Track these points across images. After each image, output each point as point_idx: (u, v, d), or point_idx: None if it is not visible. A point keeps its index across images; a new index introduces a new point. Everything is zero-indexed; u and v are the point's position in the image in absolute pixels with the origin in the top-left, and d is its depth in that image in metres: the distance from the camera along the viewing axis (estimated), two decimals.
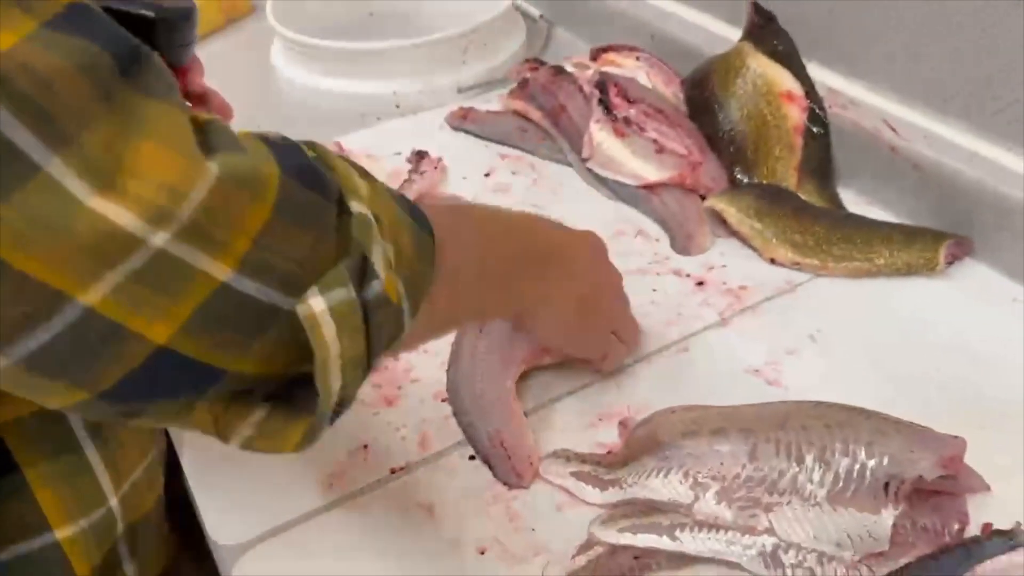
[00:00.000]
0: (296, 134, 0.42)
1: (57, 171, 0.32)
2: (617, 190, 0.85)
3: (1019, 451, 0.56)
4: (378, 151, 0.92)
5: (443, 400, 0.65)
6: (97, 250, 0.33)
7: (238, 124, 0.44)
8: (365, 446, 0.62)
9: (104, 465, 0.52)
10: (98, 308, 0.34)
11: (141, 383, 0.36)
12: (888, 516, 0.51)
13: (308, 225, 0.38)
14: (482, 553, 0.55)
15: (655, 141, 0.86)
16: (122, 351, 0.35)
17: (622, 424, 0.62)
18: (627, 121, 0.88)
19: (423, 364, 0.68)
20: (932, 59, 0.74)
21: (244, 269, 0.36)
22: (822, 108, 0.84)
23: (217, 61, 0.93)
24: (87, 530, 0.51)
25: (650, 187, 0.83)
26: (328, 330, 0.37)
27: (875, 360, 0.65)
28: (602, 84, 0.91)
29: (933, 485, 0.52)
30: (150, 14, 0.55)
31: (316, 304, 0.37)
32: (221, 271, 0.35)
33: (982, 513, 0.53)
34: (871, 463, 0.52)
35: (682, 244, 0.79)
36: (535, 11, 1.18)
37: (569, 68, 0.96)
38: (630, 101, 0.89)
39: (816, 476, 0.53)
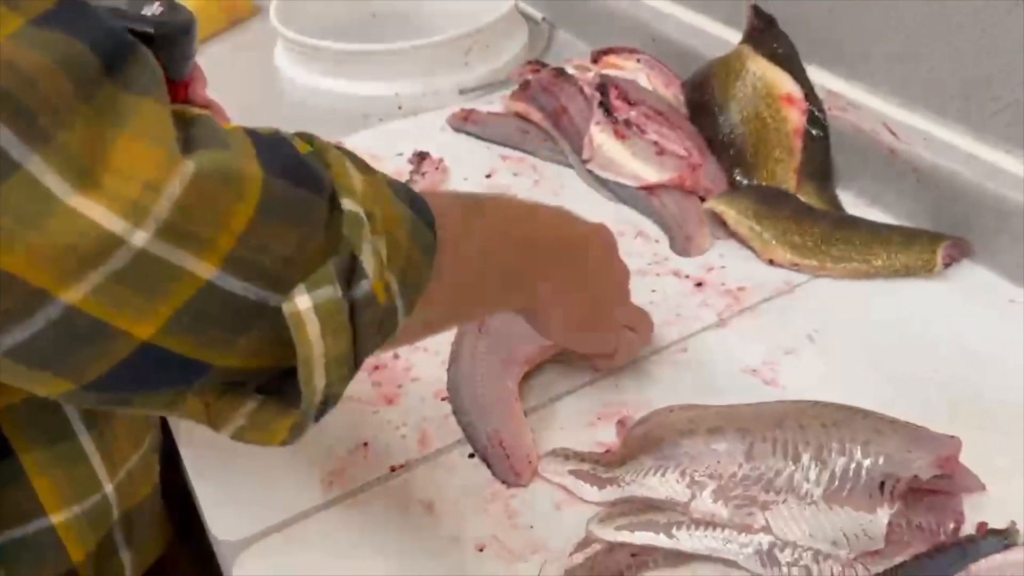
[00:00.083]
0: None
1: (36, 168, 0.32)
2: (617, 191, 0.86)
3: (1017, 452, 0.57)
4: (380, 152, 0.92)
5: (443, 399, 0.65)
6: (77, 249, 0.33)
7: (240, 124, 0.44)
8: (365, 444, 0.62)
9: (99, 453, 0.52)
10: (80, 306, 0.33)
11: (126, 376, 0.36)
12: (884, 515, 0.51)
13: (295, 223, 0.37)
14: (481, 550, 0.55)
15: (655, 143, 0.86)
16: (106, 347, 0.35)
17: (620, 423, 0.62)
18: (627, 123, 0.88)
19: (423, 363, 0.68)
20: (931, 60, 0.75)
21: (229, 267, 0.35)
22: (821, 111, 0.84)
23: (221, 62, 0.94)
24: (81, 516, 0.52)
25: (650, 189, 0.84)
26: (312, 328, 0.37)
27: (873, 361, 0.65)
28: (603, 86, 0.91)
29: (929, 484, 0.52)
30: (149, 30, 0.55)
31: (301, 302, 0.37)
32: (206, 269, 0.35)
33: (979, 513, 0.53)
34: (867, 462, 0.52)
35: (681, 245, 0.79)
36: (537, 13, 1.19)
37: (570, 70, 0.97)
38: (631, 103, 0.90)
39: (812, 475, 0.53)
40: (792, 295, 0.73)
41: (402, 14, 1.19)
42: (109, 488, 0.53)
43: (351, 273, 0.38)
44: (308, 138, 0.42)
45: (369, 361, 0.44)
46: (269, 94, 1.11)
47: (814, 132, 0.84)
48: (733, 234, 0.79)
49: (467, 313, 0.58)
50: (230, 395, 0.40)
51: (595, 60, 1.00)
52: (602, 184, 0.87)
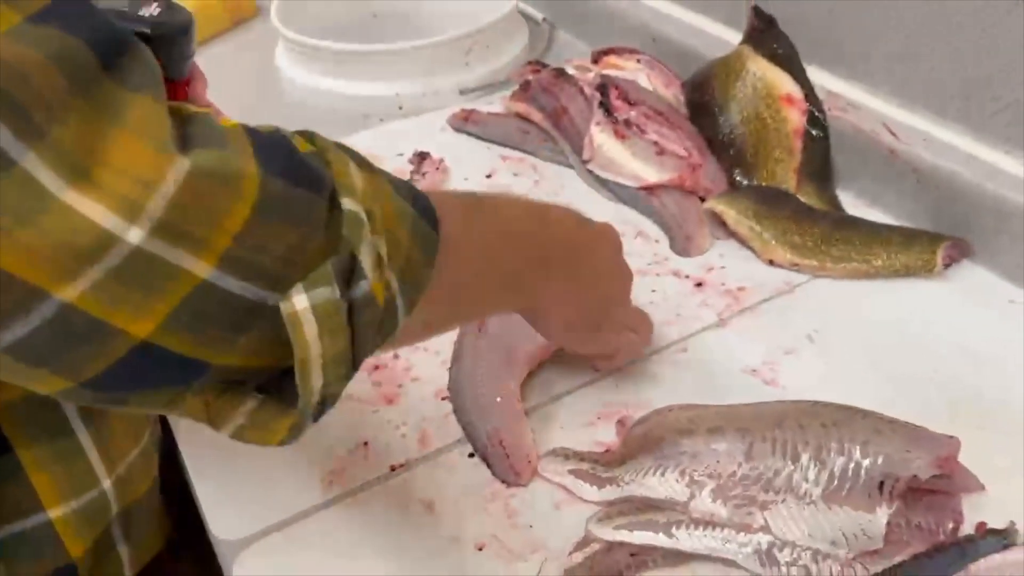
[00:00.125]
0: None
1: (31, 165, 0.32)
2: (617, 191, 0.86)
3: (1017, 452, 0.57)
4: (380, 152, 0.92)
5: (443, 398, 0.65)
6: (72, 246, 0.32)
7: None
8: (365, 443, 0.62)
9: (97, 449, 0.52)
10: (77, 304, 0.33)
11: (124, 375, 0.36)
12: (883, 515, 0.51)
13: (294, 222, 0.37)
14: (480, 550, 0.55)
15: (655, 143, 0.86)
16: (104, 345, 0.35)
17: (620, 423, 0.62)
18: (628, 123, 0.88)
19: (423, 362, 0.68)
20: (931, 60, 0.75)
21: (226, 266, 0.35)
22: (821, 111, 0.84)
23: (222, 62, 0.94)
24: (79, 511, 0.52)
25: (650, 189, 0.84)
26: (309, 328, 0.37)
27: (873, 361, 0.65)
28: (603, 86, 0.91)
29: (928, 484, 0.52)
30: (147, 30, 0.55)
31: (299, 302, 0.37)
32: (202, 268, 0.35)
33: (978, 513, 0.53)
34: (866, 462, 0.53)
35: (681, 245, 0.79)
36: (538, 14, 1.19)
37: (570, 70, 0.97)
38: (631, 103, 0.90)
39: (812, 474, 0.53)
40: (792, 295, 0.73)
41: (402, 14, 1.19)
42: (107, 484, 0.53)
43: (350, 273, 0.38)
44: (309, 136, 0.42)
45: (369, 361, 0.44)
46: (270, 94, 1.11)
47: (814, 132, 0.84)
48: (733, 234, 0.79)
49: (468, 313, 0.58)
50: (230, 394, 0.40)
51: (595, 60, 1.00)
52: (602, 184, 0.87)
